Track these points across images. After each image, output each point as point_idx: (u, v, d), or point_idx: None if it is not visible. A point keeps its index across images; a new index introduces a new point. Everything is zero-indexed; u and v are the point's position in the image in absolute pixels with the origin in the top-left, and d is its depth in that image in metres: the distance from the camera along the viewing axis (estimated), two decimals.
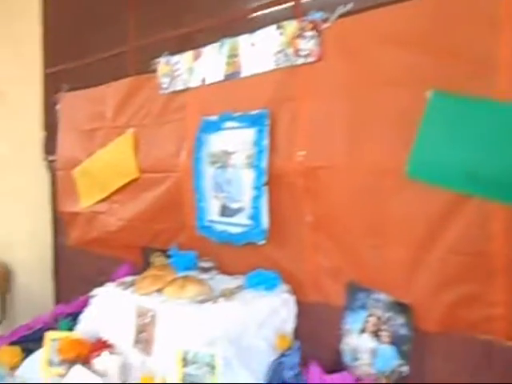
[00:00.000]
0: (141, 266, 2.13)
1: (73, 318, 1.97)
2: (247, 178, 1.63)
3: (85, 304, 2.02)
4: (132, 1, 2.27)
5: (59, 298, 2.87)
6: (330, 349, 1.48)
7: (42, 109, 2.94)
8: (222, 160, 1.72)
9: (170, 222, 2.03)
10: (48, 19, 2.91)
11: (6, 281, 3.42)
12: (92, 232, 2.51)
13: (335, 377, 1.37)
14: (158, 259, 2.05)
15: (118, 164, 2.24)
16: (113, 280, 1.92)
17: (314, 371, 1.41)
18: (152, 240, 2.14)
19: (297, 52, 1.50)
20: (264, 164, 1.57)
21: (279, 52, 1.55)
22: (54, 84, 2.80)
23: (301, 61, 1.49)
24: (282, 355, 1.48)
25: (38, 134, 2.96)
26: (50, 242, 2.98)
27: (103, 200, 2.39)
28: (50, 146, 2.86)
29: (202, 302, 1.45)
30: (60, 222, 2.86)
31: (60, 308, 2.21)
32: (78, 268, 2.71)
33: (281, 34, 1.55)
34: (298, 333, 1.55)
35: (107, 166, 2.31)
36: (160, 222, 2.08)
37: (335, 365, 1.44)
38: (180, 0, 2.05)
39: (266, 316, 1.48)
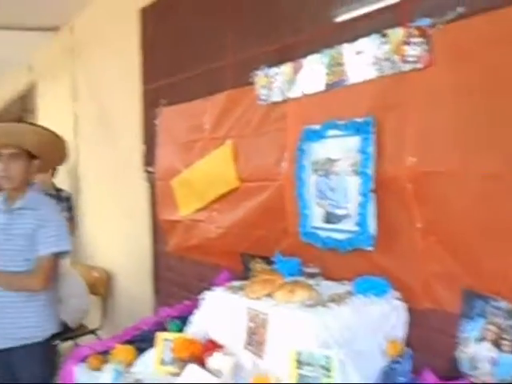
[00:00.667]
0: (240, 272, 2.25)
1: (180, 320, 2.14)
2: (352, 184, 1.69)
3: (189, 308, 2.17)
4: (230, 16, 2.43)
5: (158, 303, 3.07)
6: (443, 357, 1.48)
7: (142, 123, 3.20)
8: (325, 167, 1.79)
9: (270, 229, 2.13)
10: (146, 37, 3.16)
11: (107, 286, 3.72)
12: (191, 239, 2.68)
13: None
14: (258, 265, 2.16)
15: (217, 174, 2.39)
16: (213, 285, 2.05)
17: (429, 378, 1.43)
18: (252, 246, 2.25)
19: (403, 59, 1.54)
20: (370, 170, 1.62)
21: (385, 59, 1.60)
22: (153, 99, 3.04)
23: (408, 67, 1.53)
24: (394, 361, 1.51)
25: (137, 147, 3.22)
26: (149, 249, 3.21)
27: (202, 209, 2.56)
28: (148, 158, 3.11)
29: (312, 306, 1.52)
30: (158, 230, 3.08)
31: (165, 311, 2.38)
32: (178, 274, 2.90)
33: (385, 41, 1.60)
34: (409, 340, 1.58)
35: (206, 175, 2.47)
36: (260, 229, 2.19)
37: (449, 373, 1.45)
38: (277, 13, 2.17)
39: (376, 322, 1.52)
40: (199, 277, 2.67)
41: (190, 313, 2.09)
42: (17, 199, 2.25)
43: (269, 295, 1.64)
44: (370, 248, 1.66)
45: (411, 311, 1.59)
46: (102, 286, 3.74)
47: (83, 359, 2.04)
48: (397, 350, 1.52)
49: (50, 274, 2.23)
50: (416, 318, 1.58)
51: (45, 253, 2.18)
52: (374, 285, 1.58)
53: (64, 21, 4.39)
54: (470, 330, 1.42)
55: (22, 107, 6.45)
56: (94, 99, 4.04)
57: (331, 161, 1.76)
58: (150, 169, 3.08)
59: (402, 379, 1.46)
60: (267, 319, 1.55)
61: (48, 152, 2.30)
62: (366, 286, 1.59)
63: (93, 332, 3.62)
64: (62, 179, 4.37)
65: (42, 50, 5.09)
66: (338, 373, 1.34)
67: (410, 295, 1.59)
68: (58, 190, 4.14)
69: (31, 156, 2.26)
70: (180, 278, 2.88)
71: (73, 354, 2.19)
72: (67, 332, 3.47)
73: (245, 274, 2.17)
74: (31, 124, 2.40)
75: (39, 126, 2.36)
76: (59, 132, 2.37)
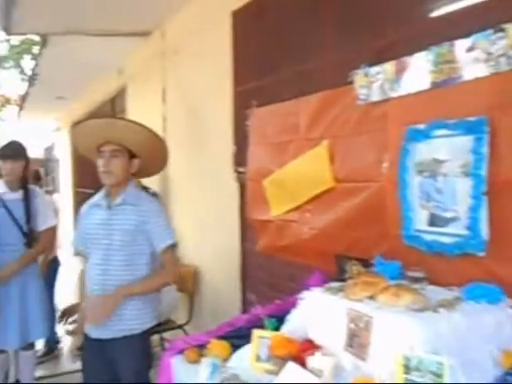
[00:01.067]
0: (333, 274, 2.25)
1: (276, 319, 2.18)
2: (462, 186, 1.64)
3: (282, 307, 2.21)
4: (327, 14, 2.45)
5: (246, 302, 3.16)
6: None
7: (233, 124, 3.31)
8: (430, 168, 1.76)
9: (368, 231, 2.12)
10: (238, 39, 3.27)
11: (195, 283, 3.88)
12: (282, 239, 2.73)
13: None
14: (354, 268, 2.15)
15: (311, 174, 2.42)
16: (304, 286, 2.07)
17: None
18: (348, 248, 2.25)
19: None
20: (484, 172, 1.57)
21: (501, 55, 1.55)
22: (244, 101, 3.13)
23: None
24: (508, 373, 1.45)
25: (228, 148, 3.33)
26: (238, 247, 3.31)
27: (295, 209, 2.60)
28: (239, 159, 3.20)
29: (420, 310, 1.50)
30: (248, 229, 3.17)
31: (258, 309, 2.44)
32: (267, 273, 2.97)
33: (502, 36, 1.55)
34: None
35: (300, 176, 2.51)
36: (358, 231, 2.18)
37: None
38: (377, 10, 2.16)
39: (490, 330, 1.47)
40: (289, 277, 2.71)
41: (284, 312, 2.13)
42: (117, 195, 2.33)
43: (371, 297, 1.64)
44: (481, 253, 1.61)
45: None
46: (190, 283, 3.90)
47: (180, 352, 2.17)
48: (511, 362, 1.46)
49: (176, 264, 2.43)
50: None
51: (165, 245, 2.30)
52: (487, 291, 1.53)
53: (155, 26, 4.63)
54: None
55: (112, 109, 6.90)
56: (183, 101, 4.23)
57: (438, 161, 1.73)
58: (240, 169, 3.18)
59: None
60: (371, 321, 1.54)
61: (149, 152, 2.35)
62: (477, 292, 1.53)
63: (180, 327, 3.79)
64: (150, 180, 4.60)
65: (133, 54, 5.40)
66: (450, 379, 1.32)
67: None
68: (144, 188, 4.37)
69: (132, 155, 2.33)
70: (269, 277, 2.94)
71: (170, 346, 2.31)
72: (155, 326, 3.67)
73: (339, 276, 2.16)
74: (133, 122, 2.39)
75: (141, 125, 2.38)
76: None
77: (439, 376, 1.32)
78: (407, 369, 1.38)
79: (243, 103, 3.13)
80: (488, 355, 1.46)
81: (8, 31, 4.41)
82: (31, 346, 3.26)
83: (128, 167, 2.33)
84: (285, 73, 2.77)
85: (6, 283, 3.02)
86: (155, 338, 3.91)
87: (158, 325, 3.63)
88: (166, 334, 3.89)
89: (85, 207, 2.46)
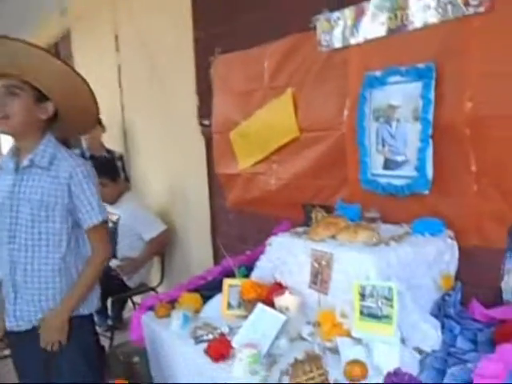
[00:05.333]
0: (301, 223, 2.64)
1: (246, 268, 2.57)
2: (413, 130, 2.01)
3: (253, 257, 2.59)
4: None
5: (218, 257, 3.53)
6: (489, 288, 1.87)
7: (195, 73, 3.56)
8: (386, 114, 2.12)
9: (331, 178, 2.50)
10: None
11: (166, 244, 4.23)
12: (250, 192, 3.09)
13: (495, 310, 1.76)
14: (319, 214, 2.53)
15: (277, 124, 2.75)
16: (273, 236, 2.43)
17: (476, 307, 1.82)
18: (313, 197, 2.62)
19: (466, 1, 1.83)
20: (430, 116, 1.94)
21: (447, 3, 1.89)
22: (206, 48, 3.36)
23: (470, 11, 1.82)
24: (446, 294, 1.90)
25: (192, 99, 3.61)
26: (207, 204, 3.66)
27: (262, 161, 2.94)
28: (203, 111, 3.49)
29: (375, 244, 1.90)
30: (216, 185, 3.51)
31: (229, 261, 2.82)
32: (237, 228, 3.34)
33: None
34: (459, 275, 1.99)
35: (266, 126, 2.84)
36: (321, 179, 2.56)
37: (494, 303, 1.82)
38: None
39: (433, 258, 1.92)
40: (259, 230, 3.06)
41: (254, 262, 2.51)
42: (27, 154, 2.09)
43: (333, 237, 2.04)
44: (426, 191, 2.03)
45: (462, 248, 2.00)
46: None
47: (150, 309, 2.45)
48: (449, 284, 1.93)
49: (106, 244, 2.24)
50: (466, 254, 1.98)
51: (92, 224, 2.13)
52: (431, 225, 1.98)
53: None
54: None
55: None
56: (140, 48, 4.34)
57: (392, 107, 2.09)
58: (205, 122, 3.48)
59: (452, 309, 1.85)
60: (332, 258, 1.94)
61: (66, 93, 2.07)
62: (423, 226, 1.99)
63: (153, 289, 4.16)
64: (109, 139, 4.86)
65: None
66: (398, 303, 1.73)
67: (462, 234, 1.99)
68: (108, 151, 4.64)
69: (40, 95, 2.05)
70: (239, 231, 3.32)
71: (140, 304, 2.64)
72: (127, 291, 4.05)
73: (306, 224, 2.55)
74: (36, 47, 2.02)
75: (48, 52, 2.09)
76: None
77: (390, 300, 1.73)
78: (363, 296, 1.78)
79: (206, 50, 3.36)
80: (430, 280, 1.91)
81: None
82: None
83: (35, 111, 2.05)
84: (248, 18, 2.98)
85: None
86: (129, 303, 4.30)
87: (130, 289, 4.05)
88: (138, 299, 4.23)
89: None
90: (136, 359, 2.14)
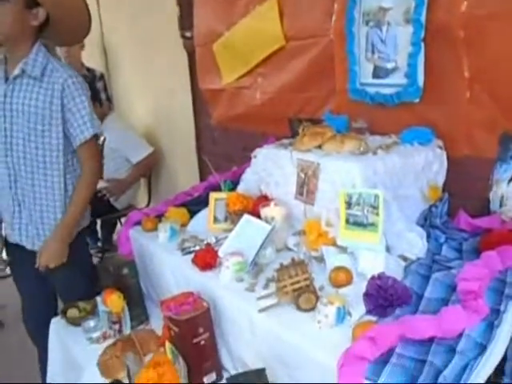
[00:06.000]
0: (288, 137, 2.57)
1: (232, 182, 2.52)
2: (404, 34, 1.90)
3: (239, 172, 2.54)
4: None
5: (204, 177, 3.47)
6: (477, 199, 1.83)
7: None
8: (376, 18, 2.00)
9: (318, 90, 2.41)
10: None
11: (152, 166, 4.17)
12: (236, 108, 2.99)
13: (482, 220, 1.75)
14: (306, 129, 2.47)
15: (261, 33, 2.61)
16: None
17: (462, 216, 1.80)
18: (299, 110, 2.54)
19: None
20: (423, 18, 1.83)
21: None
22: None
23: None
24: (433, 205, 1.87)
25: (172, 11, 3.42)
26: (192, 122, 3.56)
27: (246, 74, 2.83)
28: (184, 22, 3.30)
29: (362, 153, 1.85)
30: (200, 102, 3.40)
31: (214, 178, 2.77)
32: (222, 146, 3.27)
33: None
34: (447, 186, 1.95)
35: (250, 36, 2.70)
36: (308, 91, 2.47)
37: (482, 214, 1.79)
38: None
39: (420, 168, 1.87)
40: (245, 147, 3.00)
41: (240, 177, 2.47)
42: (16, 64, 2.03)
43: (319, 147, 1.98)
44: (416, 100, 1.95)
45: (451, 159, 1.94)
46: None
47: (137, 223, 2.47)
48: (436, 195, 1.89)
49: (97, 160, 2.24)
50: (455, 164, 1.93)
51: (84, 139, 2.11)
52: (420, 134, 1.91)
53: None
54: (503, 172, 1.75)
55: None
56: None
57: (383, 10, 1.97)
58: (187, 34, 3.31)
59: (438, 220, 1.83)
60: (319, 168, 1.89)
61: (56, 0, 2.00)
62: (411, 135, 1.92)
63: (140, 210, 4.13)
64: (88, 55, 4.64)
65: None
66: (384, 211, 1.70)
67: (452, 144, 1.92)
68: (89, 70, 4.45)
69: (31, 1, 1.97)
70: (225, 149, 3.24)
71: (127, 218, 2.63)
72: (115, 212, 4.03)
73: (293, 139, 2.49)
74: None
75: None
76: None
77: (376, 208, 1.70)
78: (349, 205, 1.75)
79: None
80: (418, 190, 1.87)
81: None
82: None
83: (25, 17, 1.98)
84: None
85: None
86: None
87: (117, 211, 4.03)
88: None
89: None
90: (125, 271, 2.14)
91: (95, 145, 2.23)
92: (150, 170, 4.18)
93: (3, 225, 2.33)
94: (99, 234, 4.45)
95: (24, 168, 2.11)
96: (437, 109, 1.93)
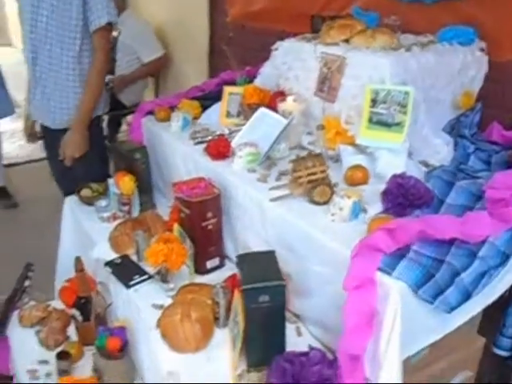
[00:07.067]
0: None
1: (247, 77, 2.37)
2: None
3: (255, 71, 2.38)
4: None
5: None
6: None
7: None
8: None
9: None
10: None
11: (161, 67, 3.99)
12: (254, 4, 2.78)
13: None
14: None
15: None
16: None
17: (496, 128, 1.69)
18: (323, 7, 2.36)
19: None
20: None
21: None
22: None
23: None
24: (463, 115, 1.75)
25: None
26: (207, 20, 3.33)
27: None
28: None
29: (395, 49, 1.70)
30: None
31: (228, 74, 2.62)
32: (238, 47, 3.06)
33: None
34: (482, 94, 1.79)
35: None
36: None
37: None
38: None
39: (456, 71, 1.72)
40: (262, 47, 2.80)
41: (255, 75, 2.31)
42: None
43: (346, 41, 1.82)
44: None
45: (492, 64, 1.77)
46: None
47: (149, 113, 2.38)
48: (469, 103, 1.75)
49: (107, 50, 2.30)
50: (496, 71, 1.76)
51: (99, 24, 2.18)
52: (460, 33, 1.74)
53: None
54: None
55: None
56: None
57: None
58: None
59: (467, 131, 1.72)
60: (345, 62, 1.75)
61: None
62: (451, 34, 1.75)
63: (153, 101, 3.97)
64: None
65: None
66: (412, 111, 1.57)
67: (496, 46, 1.75)
68: None
69: None
70: (240, 51, 3.04)
71: (139, 107, 2.53)
72: (121, 109, 3.89)
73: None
74: None
75: None
76: None
77: (404, 106, 1.57)
78: (374, 102, 1.62)
79: None
80: (450, 95, 1.73)
81: None
82: None
83: None
84: None
85: None
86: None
87: (125, 108, 3.90)
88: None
89: None
90: (138, 156, 2.11)
91: (108, 34, 2.29)
92: (158, 71, 4.03)
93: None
94: (104, 132, 4.32)
95: (44, 46, 2.20)
96: (481, 6, 1.75)
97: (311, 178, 1.51)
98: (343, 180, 1.59)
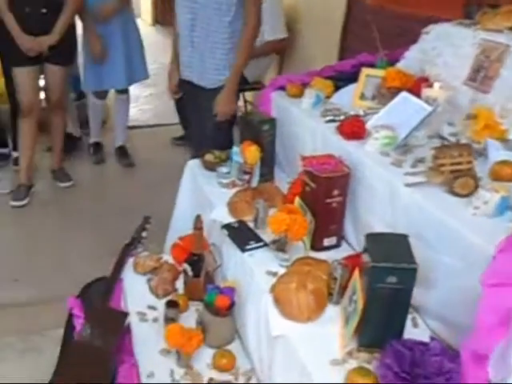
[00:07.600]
0: None
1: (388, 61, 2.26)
2: None
3: (399, 53, 2.26)
4: None
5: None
6: None
7: None
8: None
9: None
10: None
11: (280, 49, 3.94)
12: None
13: None
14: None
15: None
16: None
17: None
18: None
19: None
20: None
21: None
22: None
23: None
24: None
25: None
26: (345, 1, 3.24)
27: None
28: None
29: None
30: None
31: (365, 56, 2.52)
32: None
33: None
34: None
35: None
36: None
37: None
38: None
39: None
40: (401, 32, 2.68)
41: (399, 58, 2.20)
42: None
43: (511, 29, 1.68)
44: None
45: None
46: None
47: (280, 88, 2.37)
48: None
49: (259, 17, 2.35)
50: None
51: None
52: None
53: None
54: None
55: None
56: None
57: None
58: None
59: None
60: (507, 51, 1.60)
61: None
62: None
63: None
64: None
65: None
66: None
67: None
68: None
69: None
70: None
71: (271, 82, 2.52)
72: (244, 85, 3.92)
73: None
74: None
75: None
76: None
77: None
78: None
79: None
80: None
81: None
82: (125, 90, 3.69)
83: None
84: None
85: (108, 22, 3.28)
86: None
87: (247, 83, 3.91)
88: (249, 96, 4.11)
89: None
90: (266, 127, 2.10)
91: (260, 3, 2.34)
92: (276, 51, 3.98)
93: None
94: None
95: (202, 13, 2.31)
96: None
97: (455, 167, 1.40)
98: (488, 175, 1.47)
